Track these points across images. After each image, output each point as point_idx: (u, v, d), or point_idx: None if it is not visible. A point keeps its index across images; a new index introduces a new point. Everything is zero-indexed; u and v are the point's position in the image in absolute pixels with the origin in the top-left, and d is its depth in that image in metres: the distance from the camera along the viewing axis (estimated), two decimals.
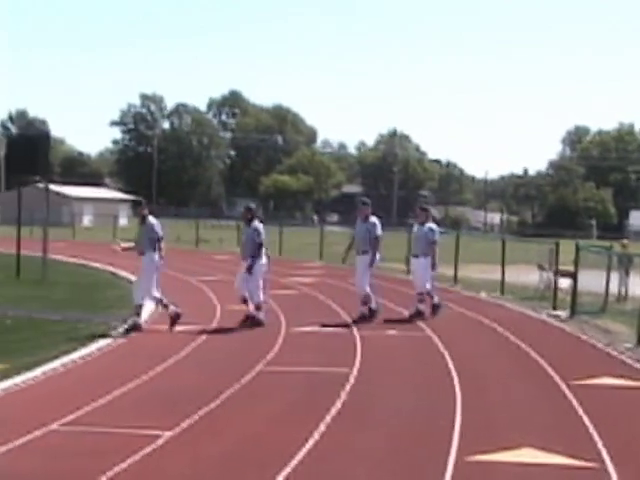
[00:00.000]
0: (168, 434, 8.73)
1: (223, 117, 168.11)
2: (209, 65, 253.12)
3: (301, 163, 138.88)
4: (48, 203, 26.56)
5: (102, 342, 14.56)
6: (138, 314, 16.08)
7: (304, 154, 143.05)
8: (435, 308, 18.58)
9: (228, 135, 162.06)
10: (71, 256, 35.85)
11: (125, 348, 14.34)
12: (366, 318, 17.55)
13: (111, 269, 29.77)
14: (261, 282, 16.81)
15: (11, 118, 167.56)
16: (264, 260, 16.92)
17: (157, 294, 16.17)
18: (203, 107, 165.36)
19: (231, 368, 12.62)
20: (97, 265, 32.13)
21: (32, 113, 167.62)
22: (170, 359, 13.09)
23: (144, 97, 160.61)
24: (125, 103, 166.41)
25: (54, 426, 8.99)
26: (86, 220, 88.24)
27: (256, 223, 16.87)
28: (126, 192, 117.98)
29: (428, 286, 18.34)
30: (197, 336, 15.45)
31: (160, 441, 8.49)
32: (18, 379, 11.34)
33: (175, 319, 16.04)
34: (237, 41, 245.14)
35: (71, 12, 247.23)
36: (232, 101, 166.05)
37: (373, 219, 17.73)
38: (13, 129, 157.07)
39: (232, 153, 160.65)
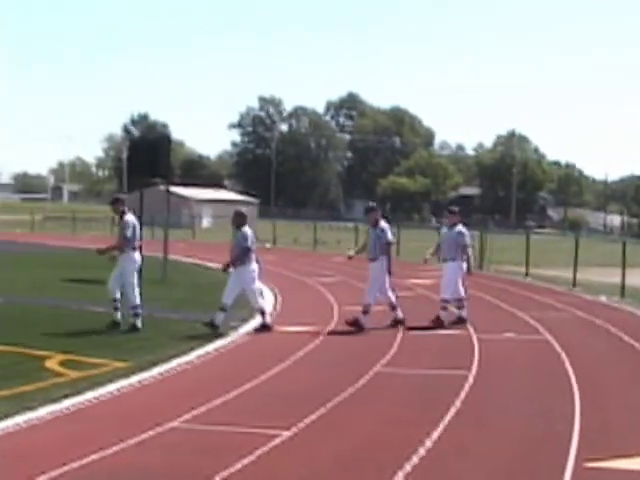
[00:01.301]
0: (286, 434, 8.79)
1: (341, 119, 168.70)
2: (327, 68, 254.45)
3: (419, 165, 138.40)
4: (169, 205, 27.00)
5: (221, 342, 14.75)
6: (116, 309, 15.90)
7: (422, 156, 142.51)
8: (438, 321, 17.29)
9: (346, 137, 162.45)
10: (190, 257, 36.41)
11: (244, 348, 14.49)
12: (356, 325, 16.53)
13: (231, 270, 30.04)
14: (255, 287, 16.28)
15: (133, 122, 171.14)
16: (254, 266, 16.30)
17: (136, 300, 16.01)
18: (321, 109, 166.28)
19: (348, 369, 12.64)
20: (217, 265, 32.51)
21: (153, 117, 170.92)
22: (288, 359, 13.18)
23: (263, 100, 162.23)
24: (244, 106, 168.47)
25: (173, 424, 9.13)
26: (205, 221, 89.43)
27: (245, 228, 16.23)
28: (245, 194, 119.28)
29: (462, 292, 17.55)
30: (315, 337, 15.53)
31: (277, 441, 8.54)
32: (138, 377, 11.56)
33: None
34: (355, 43, 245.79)
35: (191, 16, 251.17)
36: (350, 103, 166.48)
37: (382, 224, 16.90)
38: (135, 132, 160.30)
39: (350, 155, 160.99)
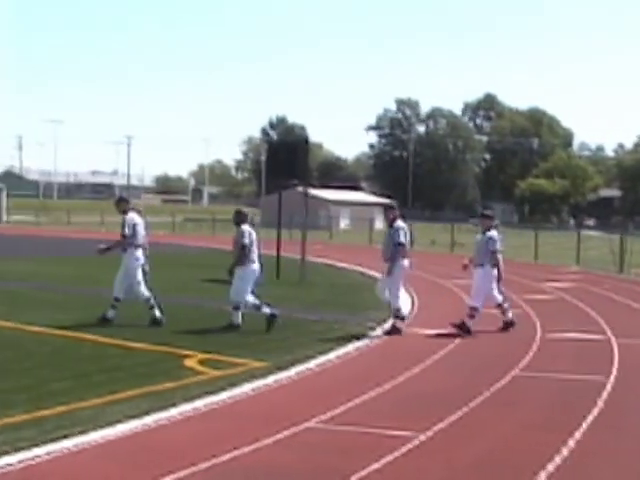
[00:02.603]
0: (422, 436, 8.78)
1: (478, 121, 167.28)
2: (464, 69, 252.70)
3: (557, 166, 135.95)
4: (307, 206, 27.20)
5: (358, 343, 14.79)
6: (114, 306, 15.99)
7: (560, 157, 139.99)
8: (507, 325, 16.86)
9: (483, 139, 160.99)
10: (330, 258, 36.65)
11: (381, 350, 14.50)
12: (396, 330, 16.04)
13: (366, 271, 30.19)
14: (248, 287, 16.14)
15: (272, 125, 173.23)
16: (255, 266, 16.25)
17: (147, 293, 16.17)
18: (458, 111, 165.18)
19: (485, 372, 12.54)
20: (354, 267, 32.69)
21: (292, 119, 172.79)
22: (425, 361, 13.15)
23: (400, 102, 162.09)
24: (381, 108, 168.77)
25: (310, 423, 9.20)
26: (343, 223, 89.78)
27: (244, 226, 16.23)
28: (382, 196, 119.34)
29: (499, 298, 16.85)
30: (452, 339, 15.45)
31: (414, 443, 8.52)
32: (276, 377, 11.68)
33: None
34: (491, 44, 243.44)
35: (328, 19, 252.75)
36: (487, 104, 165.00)
37: (397, 224, 16.22)
38: (274, 135, 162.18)
39: (487, 157, 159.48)
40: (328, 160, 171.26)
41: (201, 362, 12.37)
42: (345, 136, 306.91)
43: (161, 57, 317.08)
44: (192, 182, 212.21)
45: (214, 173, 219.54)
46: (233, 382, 11.14)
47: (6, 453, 7.75)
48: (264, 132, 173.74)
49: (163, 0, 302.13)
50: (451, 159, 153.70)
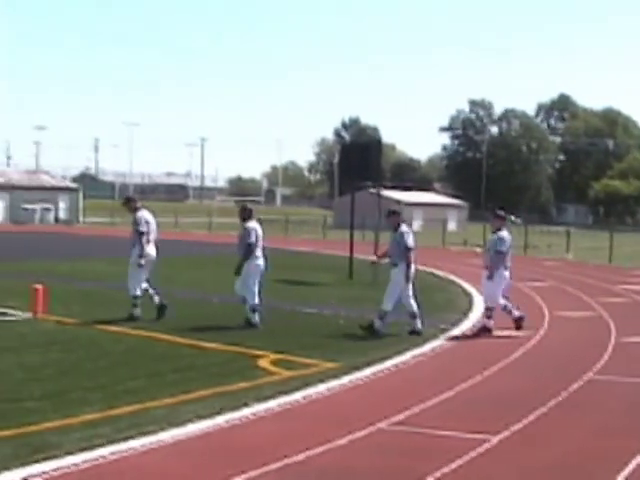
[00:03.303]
0: (495, 439, 8.71)
1: (552, 121, 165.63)
2: (537, 69, 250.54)
3: (632, 167, 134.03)
4: (380, 208, 27.18)
5: (432, 344, 14.73)
6: (135, 305, 16.27)
7: (635, 158, 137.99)
8: (518, 320, 16.54)
9: (557, 139, 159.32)
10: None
11: (454, 351, 14.43)
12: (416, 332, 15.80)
13: (440, 273, 30.09)
14: (255, 281, 16.32)
15: (344, 126, 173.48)
16: (259, 261, 16.40)
17: (139, 292, 16.33)
18: (531, 111, 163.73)
19: (559, 375, 12.39)
20: (426, 268, 32.57)
21: (364, 120, 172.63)
22: (499, 363, 13.05)
23: (473, 103, 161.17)
24: (454, 109, 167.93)
25: (382, 425, 9.19)
26: (416, 224, 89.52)
27: (249, 223, 16.33)
28: (455, 197, 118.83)
29: (501, 301, 16.47)
30: (526, 341, 15.32)
31: (487, 445, 8.47)
32: (349, 377, 11.68)
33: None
34: (565, 44, 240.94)
35: (401, 20, 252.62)
36: (561, 105, 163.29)
37: (402, 228, 16.01)
38: (346, 136, 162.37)
39: (561, 158, 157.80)
40: (401, 161, 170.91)
41: (274, 362, 12.42)
42: (418, 137, 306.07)
43: (235, 59, 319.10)
44: (265, 183, 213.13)
45: (287, 174, 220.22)
46: (306, 383, 11.17)
47: (82, 450, 7.85)
48: (337, 133, 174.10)
49: (237, 3, 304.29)
50: (524, 160, 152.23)
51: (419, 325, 15.86)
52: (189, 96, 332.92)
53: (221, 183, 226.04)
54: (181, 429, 8.74)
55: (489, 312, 16.36)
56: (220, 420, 9.20)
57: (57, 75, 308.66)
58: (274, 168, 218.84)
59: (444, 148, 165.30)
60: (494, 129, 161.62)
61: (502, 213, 16.95)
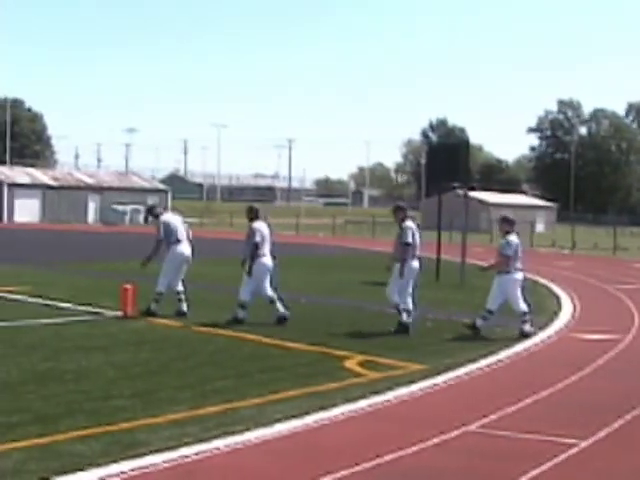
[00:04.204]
0: (583, 444, 8.60)
1: None
2: (627, 69, 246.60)
3: None
4: (467, 209, 27.02)
5: (517, 347, 14.62)
6: (156, 300, 16.72)
7: None
8: (523, 335, 15.80)
9: None
10: (490, 262, 36.29)
11: (542, 354, 14.28)
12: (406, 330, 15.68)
13: (527, 275, 29.80)
14: (264, 280, 16.28)
15: (432, 127, 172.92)
16: (264, 259, 16.25)
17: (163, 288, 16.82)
18: (621, 111, 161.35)
19: None
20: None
21: (452, 121, 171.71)
22: (586, 368, 12.88)
23: (561, 103, 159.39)
24: (542, 109, 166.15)
25: (469, 427, 9.14)
26: None
27: (255, 223, 16.36)
28: (543, 198, 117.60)
29: (495, 306, 16.07)
30: (614, 345, 15.11)
31: (574, 450, 8.37)
32: (435, 379, 11.65)
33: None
34: None
35: (494, 21, 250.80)
36: None
37: (405, 224, 15.96)
38: (433, 137, 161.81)
39: None
40: (488, 162, 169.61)
41: (360, 364, 12.44)
42: (505, 138, 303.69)
43: (323, 61, 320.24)
44: (352, 185, 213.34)
45: (374, 175, 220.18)
46: (393, 384, 11.16)
47: (171, 448, 7.96)
48: (424, 134, 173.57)
49: (331, 4, 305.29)
50: (614, 161, 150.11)
51: (405, 318, 15.87)
52: (277, 97, 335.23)
53: (308, 184, 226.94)
54: (268, 429, 8.80)
55: (523, 317, 16.01)
56: (308, 420, 9.26)
57: (147, 78, 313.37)
58: (361, 169, 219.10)
59: (532, 149, 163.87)
60: (583, 130, 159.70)
61: (509, 217, 16.94)
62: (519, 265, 16.12)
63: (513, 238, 16.14)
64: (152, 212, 17.69)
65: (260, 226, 16.49)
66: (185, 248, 17.04)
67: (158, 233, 16.92)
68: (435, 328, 16.24)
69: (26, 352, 12.61)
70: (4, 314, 16.31)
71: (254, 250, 16.16)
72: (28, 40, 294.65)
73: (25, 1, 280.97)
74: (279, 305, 16.21)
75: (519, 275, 16.16)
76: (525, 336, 15.74)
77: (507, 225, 16.45)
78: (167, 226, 16.92)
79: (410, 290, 16.12)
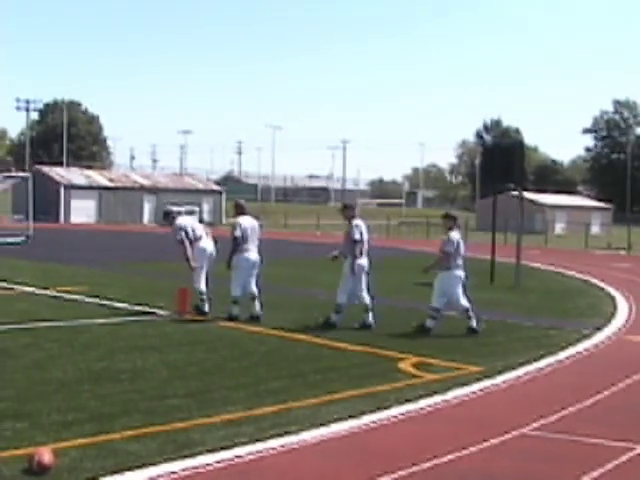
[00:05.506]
0: (639, 447, 8.53)
1: None
2: None
3: None
4: (522, 210, 26.85)
5: (574, 349, 14.49)
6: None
7: None
8: (471, 332, 15.79)
9: None
10: (545, 263, 36.10)
11: (597, 357, 14.14)
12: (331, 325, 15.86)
13: (583, 277, 29.59)
14: (243, 276, 16.46)
15: (486, 128, 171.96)
16: (247, 254, 16.42)
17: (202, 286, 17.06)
18: None
19: None
20: (569, 272, 32.07)
21: (506, 122, 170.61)
22: None
23: (617, 103, 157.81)
24: (598, 110, 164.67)
25: (524, 430, 9.08)
26: (558, 228, 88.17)
27: (239, 218, 16.55)
28: (599, 200, 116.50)
29: (441, 305, 15.92)
30: None
31: (631, 454, 8.28)
32: (491, 381, 11.59)
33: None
34: None
35: (548, 20, 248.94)
36: None
37: (354, 222, 15.97)
38: (488, 138, 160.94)
39: None
40: (543, 163, 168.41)
41: (415, 365, 12.41)
42: (561, 139, 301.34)
43: (376, 64, 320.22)
44: (406, 186, 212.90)
45: (429, 176, 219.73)
46: (448, 386, 11.12)
47: (226, 448, 7.99)
48: (478, 135, 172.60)
49: (381, 7, 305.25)
50: None
51: (370, 319, 16.02)
52: (331, 99, 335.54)
53: (363, 185, 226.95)
54: (323, 429, 8.81)
55: (467, 313, 15.95)
56: (364, 421, 9.25)
57: (202, 80, 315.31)
58: (415, 170, 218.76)
59: (587, 150, 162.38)
60: (639, 130, 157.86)
61: (451, 213, 16.81)
62: (460, 262, 16.03)
63: (454, 234, 16.05)
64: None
65: (244, 221, 16.63)
66: (210, 245, 17.27)
67: (176, 236, 17.01)
68: (489, 329, 16.15)
69: (82, 351, 12.74)
70: (61, 314, 16.50)
71: (234, 244, 16.40)
72: (85, 42, 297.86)
73: (83, 2, 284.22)
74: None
75: (460, 272, 16.04)
76: (473, 332, 15.73)
77: (450, 221, 16.35)
78: (185, 229, 17.09)
79: (363, 286, 16.21)
